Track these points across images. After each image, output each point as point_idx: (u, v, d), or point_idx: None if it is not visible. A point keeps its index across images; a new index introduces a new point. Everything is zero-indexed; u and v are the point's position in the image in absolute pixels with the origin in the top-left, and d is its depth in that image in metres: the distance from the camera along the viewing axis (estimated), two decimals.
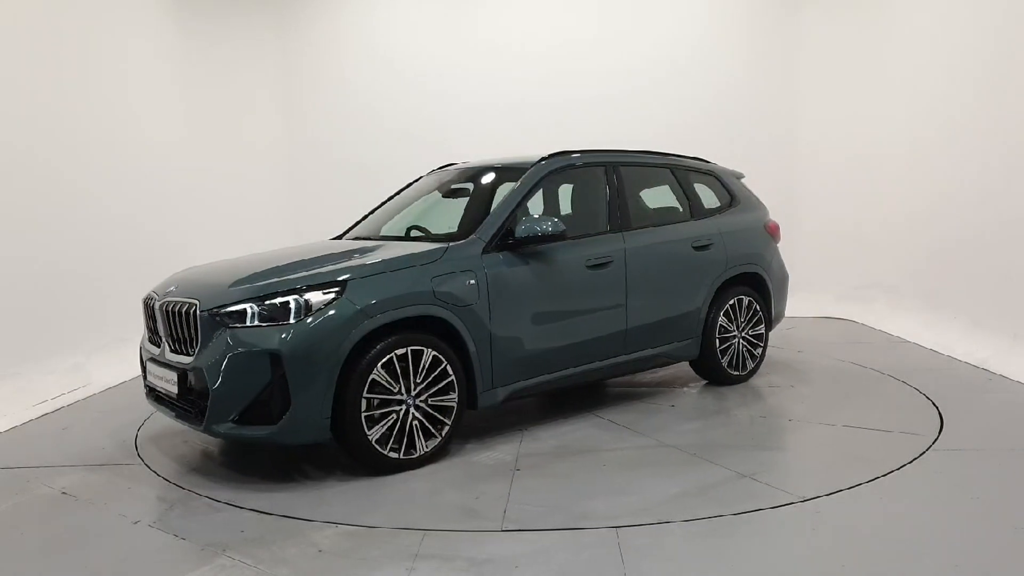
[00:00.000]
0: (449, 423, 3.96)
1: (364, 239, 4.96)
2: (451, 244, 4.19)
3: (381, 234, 5.03)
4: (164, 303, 3.99)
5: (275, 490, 3.66)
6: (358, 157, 8.71)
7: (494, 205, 4.59)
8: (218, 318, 3.65)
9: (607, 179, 4.95)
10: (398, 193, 5.59)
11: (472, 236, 4.26)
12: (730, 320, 5.36)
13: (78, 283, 6.05)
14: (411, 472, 3.82)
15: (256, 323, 3.61)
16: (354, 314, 3.64)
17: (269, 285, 3.71)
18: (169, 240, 7.32)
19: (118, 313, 6.30)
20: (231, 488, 3.68)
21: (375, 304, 3.70)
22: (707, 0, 8.67)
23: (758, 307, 5.52)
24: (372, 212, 5.50)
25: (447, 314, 3.94)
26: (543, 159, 4.77)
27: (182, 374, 3.79)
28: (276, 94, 8.82)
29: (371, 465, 3.79)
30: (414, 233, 4.91)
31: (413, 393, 3.83)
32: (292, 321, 3.58)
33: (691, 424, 4.56)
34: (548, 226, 4.25)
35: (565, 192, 5.23)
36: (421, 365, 3.83)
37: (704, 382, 5.52)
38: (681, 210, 5.33)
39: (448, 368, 3.93)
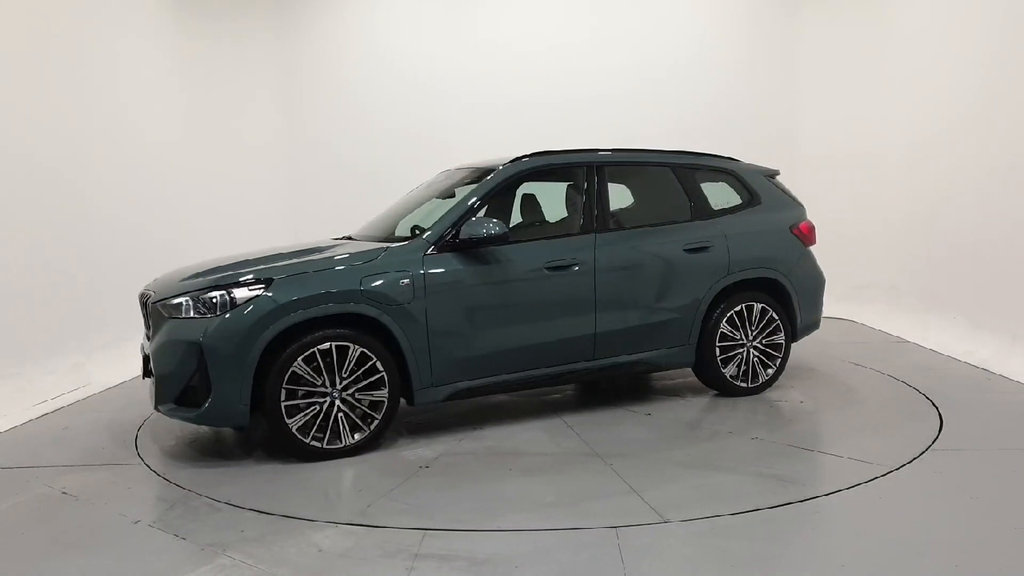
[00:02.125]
0: (378, 417, 4.11)
1: (347, 239, 5.01)
2: (392, 245, 4.34)
3: (396, 234, 5.03)
4: (142, 294, 4.48)
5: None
6: (358, 157, 8.70)
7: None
8: (164, 310, 4.06)
9: (586, 180, 4.83)
10: (414, 191, 5.59)
11: (420, 237, 4.38)
12: (736, 328, 5.03)
13: (78, 283, 6.04)
14: (330, 461, 4.00)
15: (190, 315, 3.96)
16: (272, 310, 3.89)
17: (205, 281, 4.06)
18: (169, 240, 7.32)
19: (118, 313, 6.30)
20: (231, 488, 3.68)
21: (295, 301, 3.93)
22: (707, 0, 8.67)
23: (775, 315, 5.12)
24: (389, 210, 5.51)
25: (376, 312, 4.06)
26: (512, 161, 4.76)
27: (145, 359, 4.28)
28: (276, 94, 8.81)
29: (294, 452, 4.01)
30: (416, 232, 4.92)
31: (338, 387, 4.01)
32: (217, 315, 3.90)
33: (645, 435, 4.38)
34: (491, 228, 4.26)
35: (541, 194, 5.20)
36: (347, 360, 4.00)
37: (714, 392, 5.19)
38: (680, 211, 5.10)
39: (377, 364, 4.06)
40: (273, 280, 3.97)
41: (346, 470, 3.92)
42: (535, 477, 3.77)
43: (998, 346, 5.75)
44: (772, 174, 5.56)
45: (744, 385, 5.10)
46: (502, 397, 5.24)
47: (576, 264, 4.57)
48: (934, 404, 4.79)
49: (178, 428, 4.70)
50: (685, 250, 4.91)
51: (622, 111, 8.48)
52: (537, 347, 4.52)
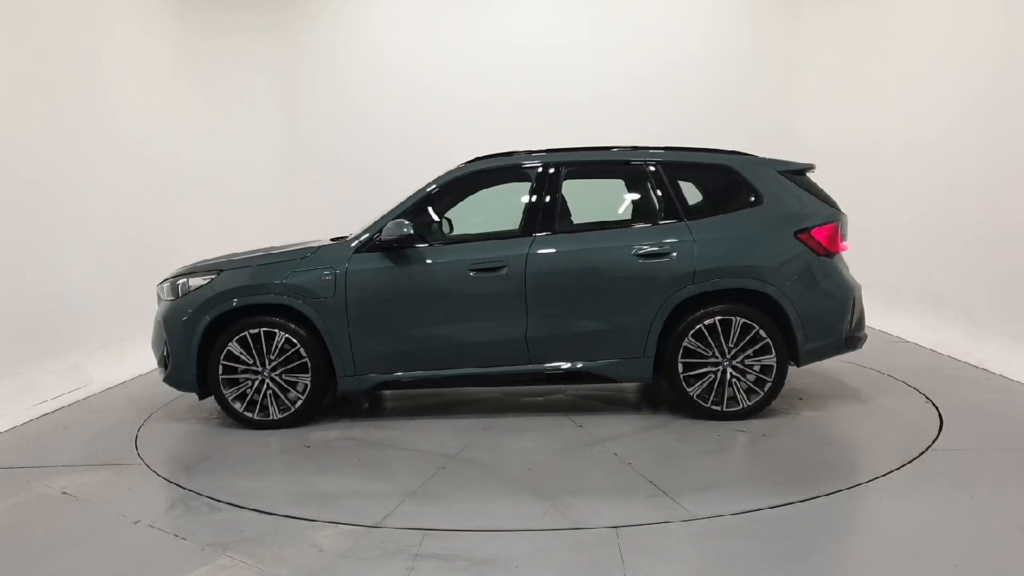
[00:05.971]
0: (303, 397, 4.57)
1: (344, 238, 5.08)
2: (324, 244, 4.74)
3: None
4: None
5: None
6: (358, 158, 8.71)
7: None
8: (159, 292, 4.83)
9: (536, 182, 4.70)
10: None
11: (355, 237, 4.66)
12: (708, 345, 4.47)
13: (78, 283, 6.04)
14: (261, 431, 4.54)
15: (168, 298, 4.70)
16: (211, 297, 4.53)
17: (181, 269, 4.82)
18: (169, 241, 7.32)
19: (119, 313, 6.30)
20: (231, 488, 3.68)
21: (229, 291, 4.53)
22: None
23: (763, 333, 4.43)
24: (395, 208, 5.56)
25: (298, 304, 4.50)
26: (463, 164, 4.84)
27: None
28: (276, 93, 8.81)
29: (235, 420, 4.61)
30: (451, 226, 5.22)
31: (269, 367, 4.53)
32: (177, 298, 4.63)
33: (532, 446, 4.21)
34: (404, 230, 4.45)
35: (499, 197, 5.14)
36: (274, 345, 4.51)
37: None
38: (647, 213, 4.79)
39: (301, 351, 4.50)
40: (221, 272, 4.61)
41: (251, 439, 4.41)
42: (362, 471, 3.93)
43: (998, 346, 5.75)
44: (798, 170, 4.77)
45: (718, 409, 4.49)
46: (489, 391, 5.29)
47: (503, 266, 4.50)
48: (934, 404, 4.79)
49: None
50: (637, 255, 4.50)
51: (622, 110, 8.50)
52: (462, 347, 4.56)
